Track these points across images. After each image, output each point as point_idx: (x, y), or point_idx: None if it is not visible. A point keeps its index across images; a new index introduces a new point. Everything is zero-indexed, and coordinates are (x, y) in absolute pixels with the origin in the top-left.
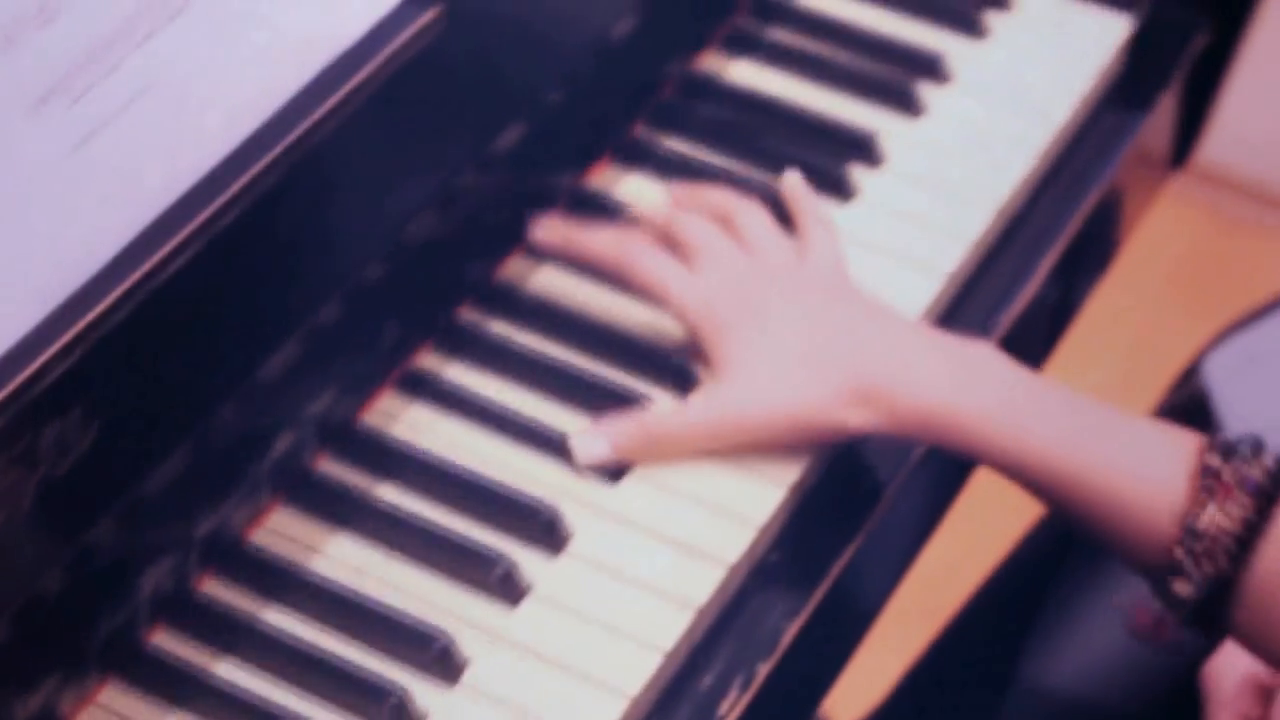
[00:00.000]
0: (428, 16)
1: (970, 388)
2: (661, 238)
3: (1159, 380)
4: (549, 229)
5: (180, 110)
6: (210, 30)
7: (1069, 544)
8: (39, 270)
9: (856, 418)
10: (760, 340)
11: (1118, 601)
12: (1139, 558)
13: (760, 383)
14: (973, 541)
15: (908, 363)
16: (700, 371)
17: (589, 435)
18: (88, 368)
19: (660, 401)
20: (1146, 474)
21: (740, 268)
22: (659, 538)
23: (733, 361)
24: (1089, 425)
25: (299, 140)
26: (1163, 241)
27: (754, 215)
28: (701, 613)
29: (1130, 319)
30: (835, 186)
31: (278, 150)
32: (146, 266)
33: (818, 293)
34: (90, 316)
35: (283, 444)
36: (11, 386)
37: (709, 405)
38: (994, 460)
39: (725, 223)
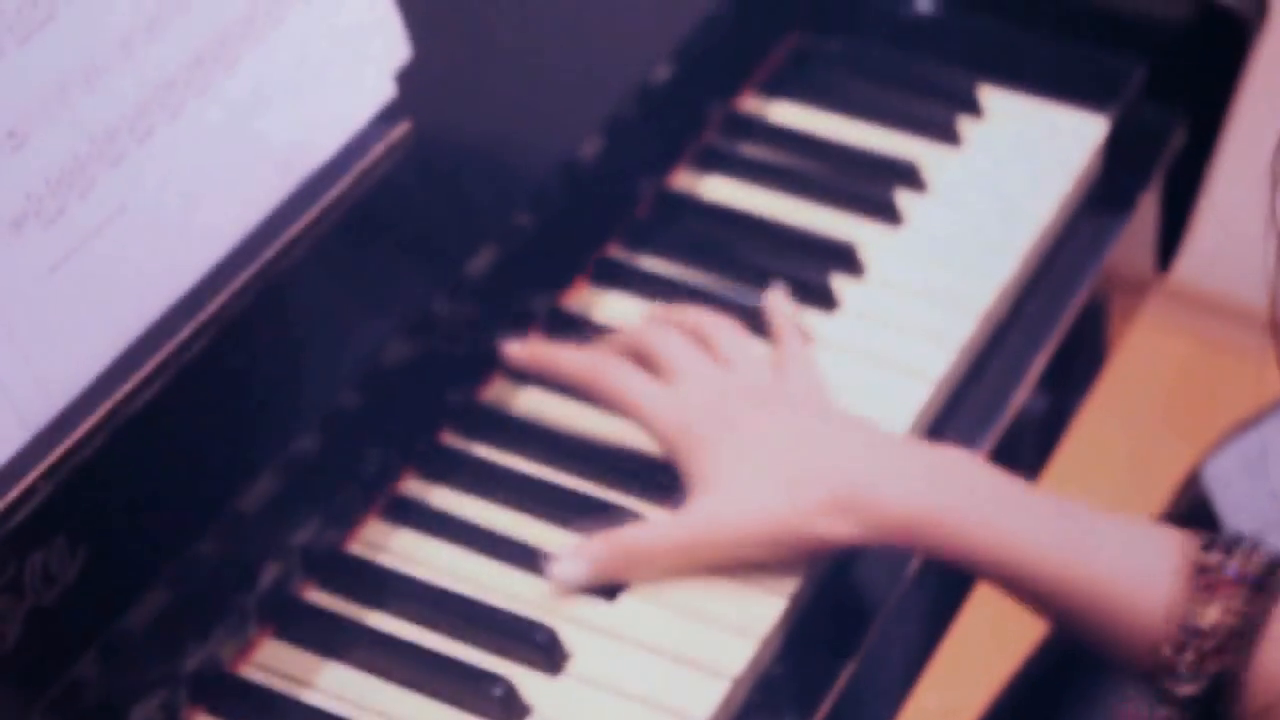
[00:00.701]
0: (398, 132)
1: (949, 490)
2: (633, 354)
3: (1152, 499)
4: (520, 347)
5: (155, 231)
6: (183, 152)
7: (1068, 668)
8: (18, 395)
9: (835, 528)
10: (734, 454)
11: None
12: (1128, 655)
13: (735, 496)
14: (972, 672)
15: (884, 470)
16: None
17: (565, 559)
18: (70, 495)
19: (650, 515)
20: (1135, 571)
21: (714, 382)
22: (659, 654)
23: (707, 477)
24: (1074, 524)
25: (272, 263)
26: (1149, 364)
27: (728, 331)
28: None
29: (1120, 441)
30: (818, 297)
31: (251, 272)
32: (125, 390)
33: (793, 407)
34: (70, 442)
35: (269, 574)
36: None
37: (684, 521)
38: (976, 563)
39: (699, 339)
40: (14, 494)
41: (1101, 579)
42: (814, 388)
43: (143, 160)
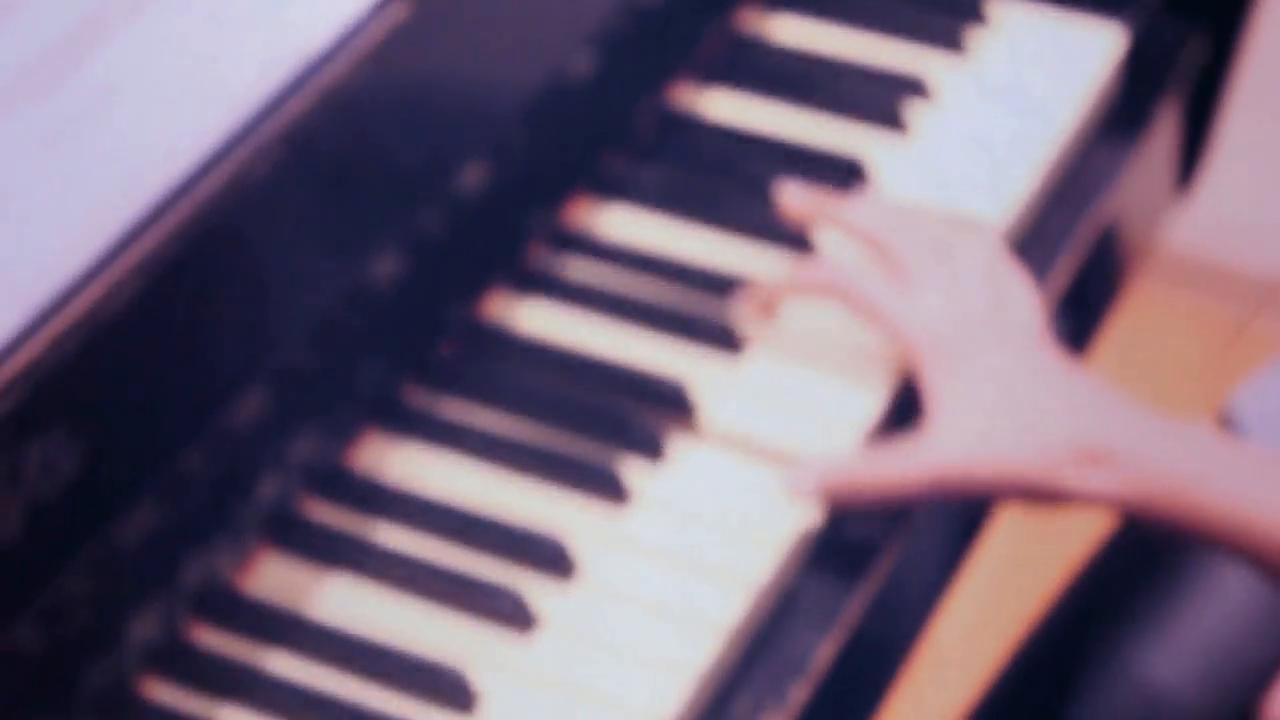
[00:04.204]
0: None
1: (1208, 455)
2: (871, 243)
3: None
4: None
5: (148, 113)
6: (173, 34)
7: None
8: (15, 275)
9: (1087, 482)
10: (978, 385)
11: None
12: None
13: (984, 434)
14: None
15: (1141, 427)
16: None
17: (799, 470)
18: (65, 382)
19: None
20: None
21: (955, 302)
22: (677, 563)
23: (951, 405)
24: None
25: (257, 157)
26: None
27: (970, 249)
28: (731, 635)
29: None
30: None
31: (239, 162)
32: (115, 277)
33: (1028, 344)
34: (64, 325)
35: (267, 488)
36: None
37: (929, 455)
38: (1225, 534)
39: (937, 250)
40: (8, 375)
41: None
42: (1041, 323)
43: (132, 40)
